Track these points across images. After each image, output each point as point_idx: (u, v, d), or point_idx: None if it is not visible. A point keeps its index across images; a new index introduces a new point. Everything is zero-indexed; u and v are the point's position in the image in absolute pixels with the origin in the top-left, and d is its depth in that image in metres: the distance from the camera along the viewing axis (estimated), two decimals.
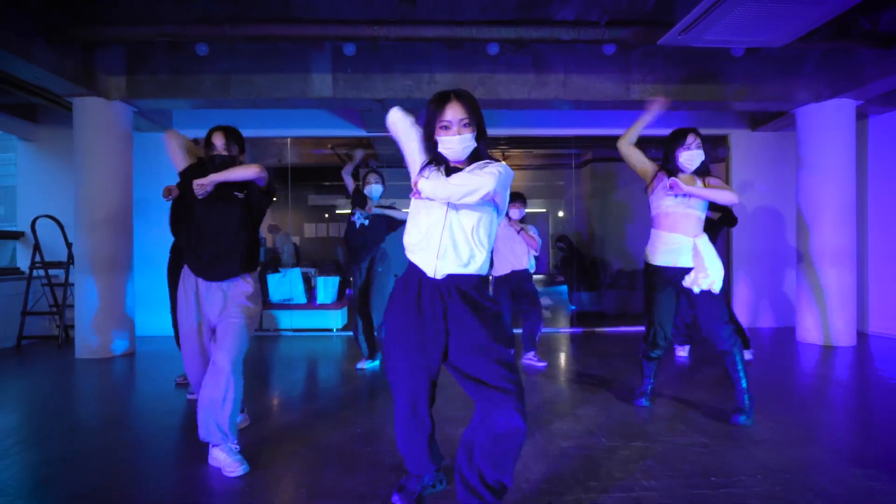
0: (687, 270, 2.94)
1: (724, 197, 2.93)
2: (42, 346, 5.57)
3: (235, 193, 2.52)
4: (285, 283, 6.28)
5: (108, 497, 2.17)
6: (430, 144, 1.87)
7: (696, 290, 2.89)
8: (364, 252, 4.26)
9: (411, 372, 1.86)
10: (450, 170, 1.86)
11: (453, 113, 1.81)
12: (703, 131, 3.23)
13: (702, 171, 3.02)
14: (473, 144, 1.85)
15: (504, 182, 1.82)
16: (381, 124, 5.92)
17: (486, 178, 1.75)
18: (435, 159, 1.87)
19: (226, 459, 2.34)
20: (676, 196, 2.94)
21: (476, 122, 1.85)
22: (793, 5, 3.54)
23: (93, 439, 2.83)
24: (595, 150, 8.36)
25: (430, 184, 1.78)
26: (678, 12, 4.03)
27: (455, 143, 1.82)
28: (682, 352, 4.78)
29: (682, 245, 2.93)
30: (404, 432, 1.95)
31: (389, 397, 3.47)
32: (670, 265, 2.99)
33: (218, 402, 2.32)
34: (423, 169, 1.87)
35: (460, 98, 1.83)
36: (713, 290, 2.87)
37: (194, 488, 2.24)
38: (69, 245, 5.76)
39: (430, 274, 1.82)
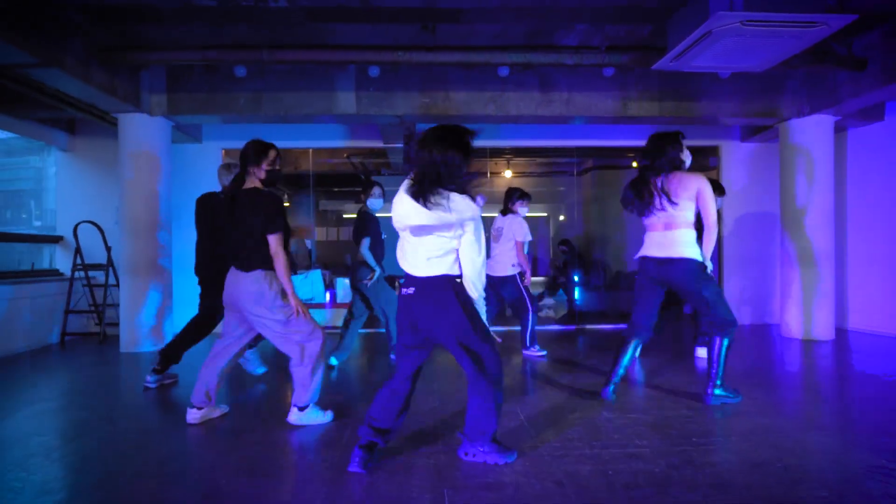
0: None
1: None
2: (84, 342, 6.02)
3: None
4: (307, 284, 6.74)
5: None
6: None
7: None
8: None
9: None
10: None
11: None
12: (696, 142, 3.62)
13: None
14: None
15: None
16: (398, 137, 6.47)
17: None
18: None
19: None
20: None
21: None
22: (770, 38, 4.02)
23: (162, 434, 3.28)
24: (595, 159, 8.86)
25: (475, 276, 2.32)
26: (671, 39, 4.51)
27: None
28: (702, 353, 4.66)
29: None
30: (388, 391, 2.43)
31: None
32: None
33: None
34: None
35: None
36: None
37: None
38: (108, 248, 6.21)
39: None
